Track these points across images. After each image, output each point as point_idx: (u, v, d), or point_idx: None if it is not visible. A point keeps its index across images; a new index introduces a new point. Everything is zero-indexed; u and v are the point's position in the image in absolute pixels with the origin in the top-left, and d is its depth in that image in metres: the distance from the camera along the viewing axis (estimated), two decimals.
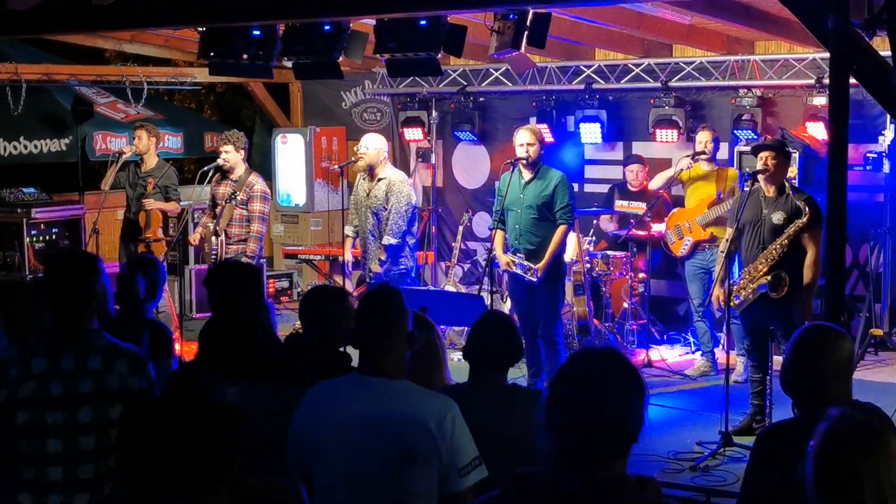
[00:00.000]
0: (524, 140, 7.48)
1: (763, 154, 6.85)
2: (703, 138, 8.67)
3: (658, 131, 9.81)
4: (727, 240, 7.01)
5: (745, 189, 7.11)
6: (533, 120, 10.25)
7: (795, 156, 8.38)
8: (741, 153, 9.06)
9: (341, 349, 4.23)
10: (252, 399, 3.69)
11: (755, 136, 9.15)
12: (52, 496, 3.52)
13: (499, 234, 7.71)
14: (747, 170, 7.76)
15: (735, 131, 9.31)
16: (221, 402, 2.69)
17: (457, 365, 5.43)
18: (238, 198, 8.22)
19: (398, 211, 8.05)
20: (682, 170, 8.71)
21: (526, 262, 7.44)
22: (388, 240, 8.06)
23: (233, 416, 2.62)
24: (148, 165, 9.34)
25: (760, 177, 6.80)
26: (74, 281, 3.68)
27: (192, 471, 2.54)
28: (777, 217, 6.75)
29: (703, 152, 8.60)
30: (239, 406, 3.57)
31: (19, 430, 3.54)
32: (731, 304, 6.84)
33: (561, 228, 7.46)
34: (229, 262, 4.67)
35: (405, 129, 11.45)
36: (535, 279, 7.41)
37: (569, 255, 8.54)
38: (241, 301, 4.08)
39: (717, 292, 6.91)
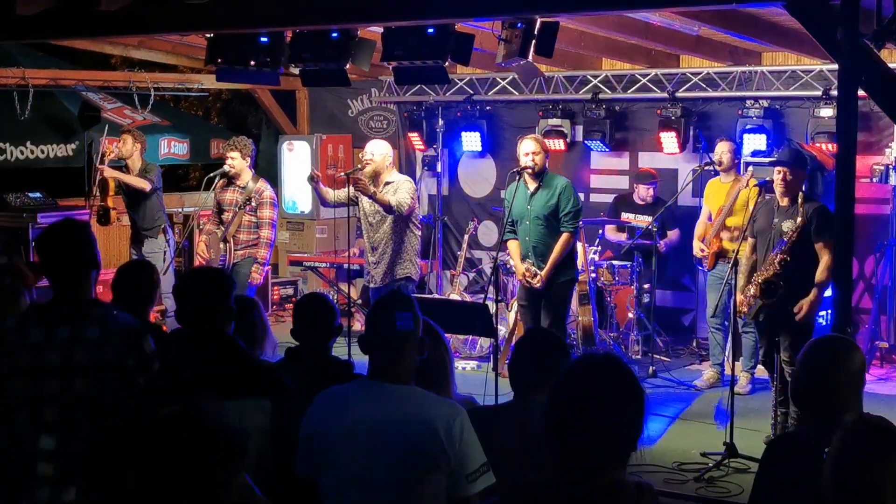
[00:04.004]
0: (529, 149, 7.43)
1: (780, 167, 6.84)
2: (719, 149, 8.45)
3: (664, 142, 9.81)
4: (749, 248, 7.01)
5: (759, 199, 7.11)
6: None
7: None
8: (748, 164, 9.04)
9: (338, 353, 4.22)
10: (250, 414, 3.67)
11: (769, 147, 9.10)
12: (41, 464, 3.49)
13: (513, 244, 7.60)
14: (765, 178, 7.69)
15: (743, 134, 9.26)
16: (225, 425, 2.65)
17: (461, 373, 5.43)
18: (251, 204, 8.25)
19: (405, 198, 7.66)
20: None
21: (534, 268, 7.42)
22: (397, 201, 7.61)
23: (234, 437, 2.60)
24: (133, 173, 9.39)
25: (777, 188, 6.81)
26: (69, 248, 3.62)
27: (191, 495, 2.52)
28: (787, 225, 6.75)
29: (718, 162, 8.46)
30: (239, 423, 3.57)
31: (17, 399, 3.52)
32: (742, 311, 6.85)
33: (564, 236, 7.37)
34: (199, 271, 4.56)
35: (411, 138, 11.46)
36: (538, 286, 7.40)
37: None
38: (217, 311, 3.90)
39: (740, 299, 6.91)
